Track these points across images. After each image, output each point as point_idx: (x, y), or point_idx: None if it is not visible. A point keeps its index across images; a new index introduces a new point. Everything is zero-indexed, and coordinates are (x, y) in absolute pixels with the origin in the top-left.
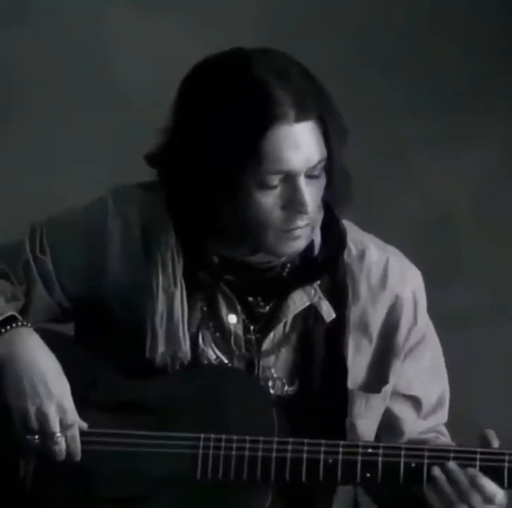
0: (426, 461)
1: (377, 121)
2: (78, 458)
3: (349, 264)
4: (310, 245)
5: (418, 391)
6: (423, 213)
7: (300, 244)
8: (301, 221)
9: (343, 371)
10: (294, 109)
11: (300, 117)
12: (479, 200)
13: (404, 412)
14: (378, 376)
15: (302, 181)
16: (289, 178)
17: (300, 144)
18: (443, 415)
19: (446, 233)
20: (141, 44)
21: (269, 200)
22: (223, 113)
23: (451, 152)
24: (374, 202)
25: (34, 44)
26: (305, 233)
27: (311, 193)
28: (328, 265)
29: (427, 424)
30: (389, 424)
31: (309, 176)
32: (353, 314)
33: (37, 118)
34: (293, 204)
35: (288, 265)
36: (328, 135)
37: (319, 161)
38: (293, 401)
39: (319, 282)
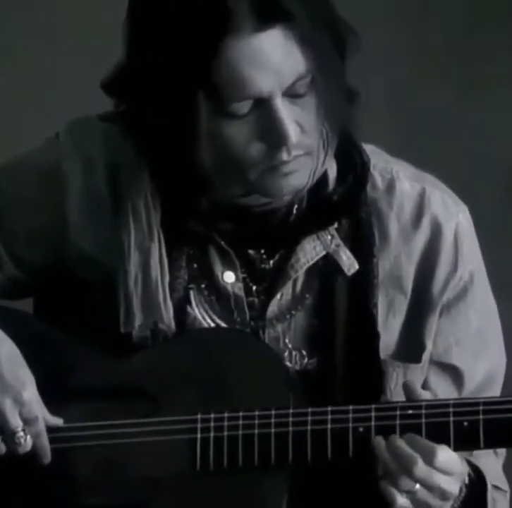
0: (481, 417)
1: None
2: (47, 460)
3: (374, 200)
4: (323, 180)
5: (458, 361)
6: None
7: (296, 181)
8: (286, 155)
9: (372, 336)
10: (253, 16)
11: (263, 24)
12: None
13: (441, 385)
14: (415, 340)
15: (278, 104)
16: (261, 103)
17: (265, 59)
18: None
19: None
20: None
21: (241, 131)
22: (169, 27)
23: None
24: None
25: None
26: (302, 165)
27: (296, 116)
28: (347, 204)
29: None
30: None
31: (292, 96)
32: (383, 263)
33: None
34: (271, 134)
35: (296, 207)
36: (313, 42)
37: (300, 77)
38: (314, 377)
39: (336, 226)
